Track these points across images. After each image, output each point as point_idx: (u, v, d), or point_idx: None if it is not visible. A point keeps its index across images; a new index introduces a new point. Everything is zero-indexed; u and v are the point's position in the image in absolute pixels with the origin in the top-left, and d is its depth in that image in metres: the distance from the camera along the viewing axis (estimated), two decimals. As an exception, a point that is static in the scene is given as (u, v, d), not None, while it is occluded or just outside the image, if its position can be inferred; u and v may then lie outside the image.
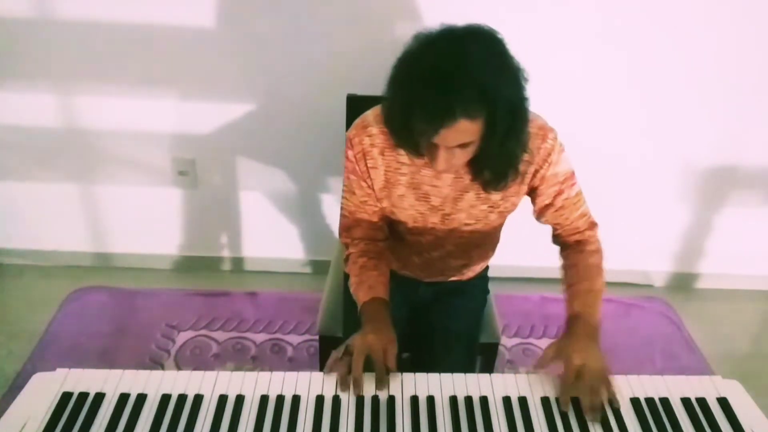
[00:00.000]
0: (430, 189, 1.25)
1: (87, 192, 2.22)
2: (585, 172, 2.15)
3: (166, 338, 2.07)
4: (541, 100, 1.96)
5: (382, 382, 1.09)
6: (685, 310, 2.32)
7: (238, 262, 2.41)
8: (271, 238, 2.35)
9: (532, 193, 1.27)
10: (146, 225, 2.30)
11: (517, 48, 1.07)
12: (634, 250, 2.37)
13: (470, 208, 1.27)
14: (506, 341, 2.11)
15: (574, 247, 1.30)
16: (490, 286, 1.60)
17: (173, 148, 2.12)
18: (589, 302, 1.21)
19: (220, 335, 2.09)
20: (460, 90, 0.97)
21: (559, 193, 1.25)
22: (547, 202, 1.26)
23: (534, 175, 1.22)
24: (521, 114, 1.08)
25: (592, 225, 1.31)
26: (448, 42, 1.02)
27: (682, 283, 2.47)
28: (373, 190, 1.27)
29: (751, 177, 2.20)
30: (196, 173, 2.17)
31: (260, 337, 2.09)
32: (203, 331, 2.10)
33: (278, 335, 2.11)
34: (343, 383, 1.09)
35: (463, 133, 1.02)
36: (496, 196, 1.26)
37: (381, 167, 1.24)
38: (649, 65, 1.96)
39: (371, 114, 1.24)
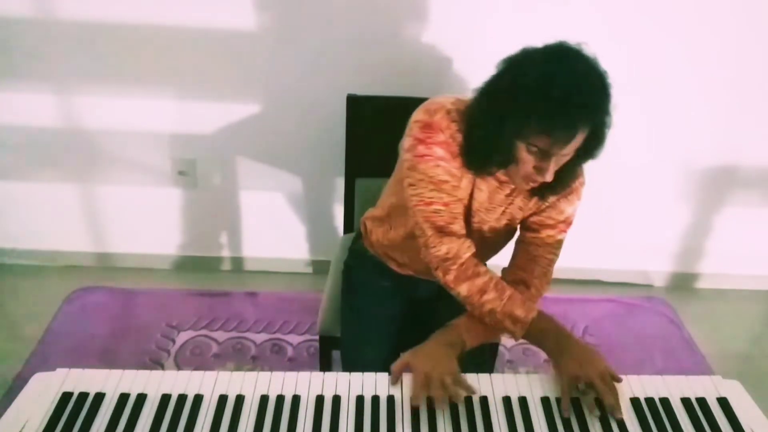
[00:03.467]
0: (476, 192, 1.23)
1: (87, 192, 2.22)
2: (585, 171, 2.17)
3: (166, 338, 2.07)
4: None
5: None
6: (685, 310, 2.32)
7: (238, 262, 2.41)
8: (271, 238, 2.35)
9: (534, 213, 1.27)
10: (146, 225, 2.30)
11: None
12: (634, 250, 2.37)
13: (495, 221, 1.28)
14: (506, 341, 2.11)
15: (513, 283, 1.27)
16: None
17: (173, 149, 2.12)
18: (475, 323, 1.21)
19: (220, 335, 2.09)
20: (587, 100, 1.02)
21: (550, 227, 1.26)
22: (533, 226, 1.27)
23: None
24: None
25: (544, 280, 1.28)
26: (568, 57, 1.05)
27: (682, 283, 2.47)
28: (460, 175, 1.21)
29: (751, 177, 2.20)
30: (196, 173, 2.17)
31: (260, 337, 2.09)
32: (203, 331, 2.10)
33: (278, 335, 2.11)
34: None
35: (577, 142, 1.06)
36: (518, 213, 1.26)
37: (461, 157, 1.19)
38: (650, 65, 1.96)
39: (447, 102, 1.18)
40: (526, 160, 1.09)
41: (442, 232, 1.19)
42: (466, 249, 1.20)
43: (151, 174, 2.17)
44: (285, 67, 1.95)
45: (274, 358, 2.02)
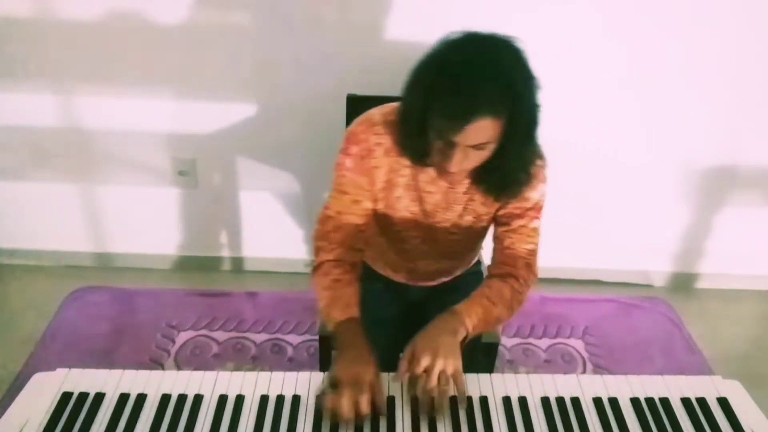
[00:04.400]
0: (426, 195, 1.25)
1: (87, 192, 2.22)
2: (586, 172, 2.17)
3: (166, 338, 2.07)
4: (541, 100, 1.97)
5: (383, 412, 1.05)
6: (685, 310, 2.31)
7: (238, 262, 2.41)
8: (271, 238, 2.35)
9: (501, 207, 1.26)
10: (146, 225, 2.30)
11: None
12: (634, 250, 2.37)
13: (458, 218, 1.27)
14: (506, 341, 2.11)
15: (501, 277, 1.25)
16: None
17: (173, 148, 2.12)
18: (476, 309, 1.16)
19: (220, 335, 2.09)
20: (489, 87, 0.99)
21: (519, 216, 1.24)
22: (503, 220, 1.26)
23: None
24: (537, 121, 1.09)
25: (530, 272, 1.26)
26: (479, 44, 1.04)
27: (682, 283, 2.47)
28: (371, 189, 1.25)
29: (751, 177, 2.20)
30: (196, 173, 2.17)
31: (260, 337, 2.09)
32: (203, 331, 2.10)
33: (278, 335, 2.11)
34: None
35: (483, 132, 1.02)
36: (482, 209, 1.25)
37: (383, 167, 1.23)
38: (649, 65, 1.96)
39: (377, 113, 1.22)
40: (435, 145, 1.09)
41: (324, 235, 1.26)
42: (327, 254, 1.24)
43: (151, 174, 2.17)
44: (285, 67, 1.95)
45: (274, 358, 2.02)
